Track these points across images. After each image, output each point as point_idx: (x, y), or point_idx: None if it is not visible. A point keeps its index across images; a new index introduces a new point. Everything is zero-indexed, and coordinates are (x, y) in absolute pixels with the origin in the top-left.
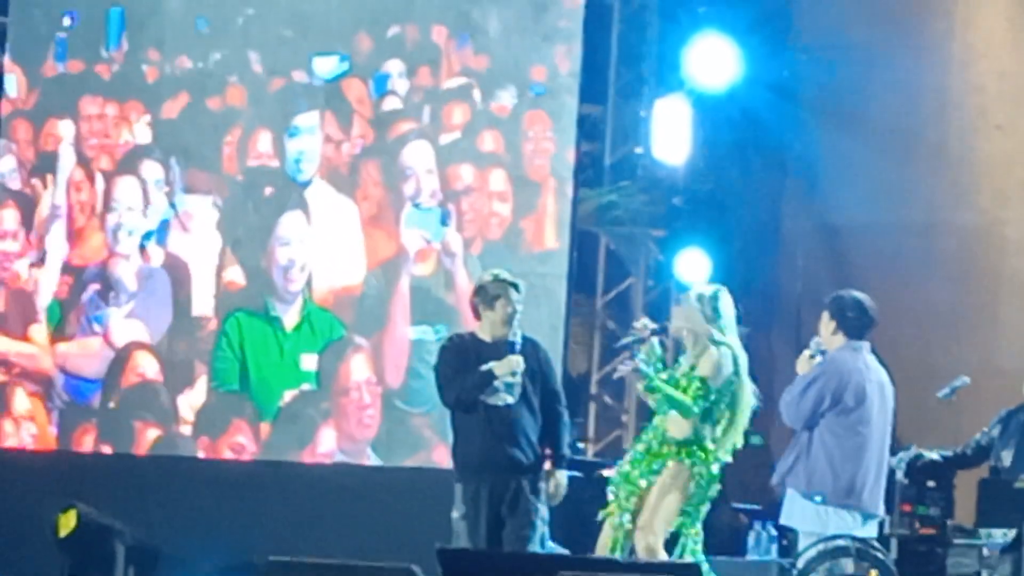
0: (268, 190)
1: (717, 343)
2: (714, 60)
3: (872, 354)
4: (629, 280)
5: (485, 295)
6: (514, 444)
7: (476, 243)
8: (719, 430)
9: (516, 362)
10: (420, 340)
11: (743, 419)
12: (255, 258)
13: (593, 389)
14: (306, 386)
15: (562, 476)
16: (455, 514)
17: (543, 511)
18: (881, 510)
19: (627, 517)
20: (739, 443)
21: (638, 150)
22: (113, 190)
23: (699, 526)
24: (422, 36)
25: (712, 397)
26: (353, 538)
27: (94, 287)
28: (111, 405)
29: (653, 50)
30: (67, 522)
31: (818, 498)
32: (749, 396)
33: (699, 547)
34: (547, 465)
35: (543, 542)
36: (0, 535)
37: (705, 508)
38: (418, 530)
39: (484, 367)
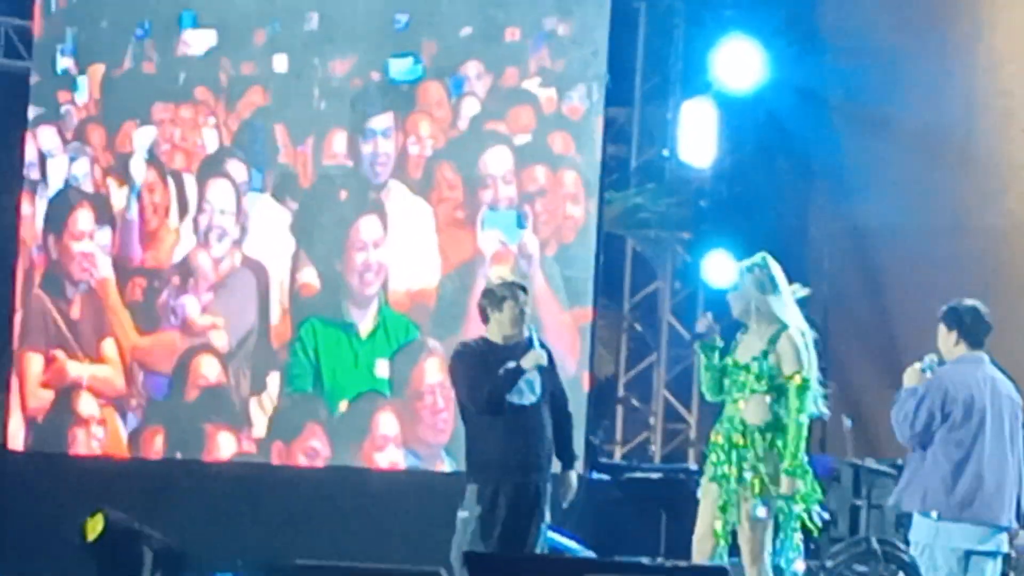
0: (343, 193)
1: (786, 326)
2: (740, 63)
3: (992, 364)
4: (656, 283)
5: (493, 297)
6: (538, 443)
7: (551, 245)
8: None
9: (540, 355)
10: None
11: (816, 387)
12: (330, 261)
13: (620, 392)
14: (379, 391)
15: (573, 476)
16: (463, 514)
17: (547, 514)
18: (1006, 519)
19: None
20: (816, 410)
21: (665, 153)
22: (205, 192)
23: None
24: (498, 38)
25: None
26: (381, 542)
27: (174, 283)
28: (180, 408)
29: (679, 53)
30: (94, 526)
31: (934, 514)
32: (815, 363)
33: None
34: (556, 465)
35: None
36: (28, 539)
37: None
38: (445, 533)
39: (511, 364)
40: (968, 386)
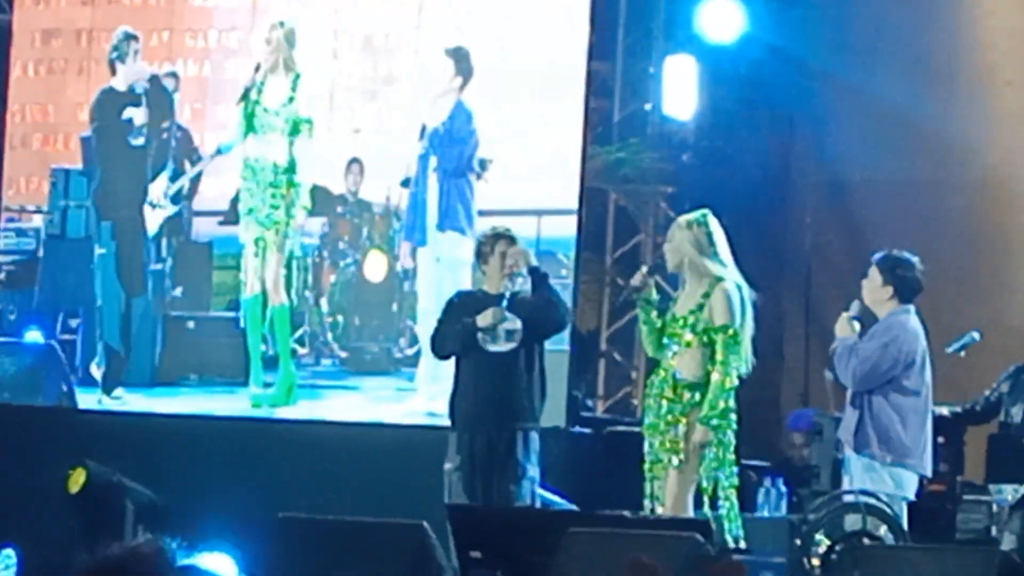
0: None
1: (720, 279)
2: (723, 16)
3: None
4: (638, 237)
5: (480, 249)
6: (511, 392)
7: None
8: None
9: (495, 313)
10: None
11: (747, 345)
12: None
13: (603, 346)
14: None
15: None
16: (448, 466)
17: (532, 470)
18: (930, 470)
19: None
20: (744, 369)
21: (647, 107)
22: None
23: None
24: None
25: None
26: (365, 496)
27: None
28: None
29: (662, 7)
30: (77, 479)
31: (889, 458)
32: (751, 322)
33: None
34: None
35: (534, 495)
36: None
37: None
38: (428, 487)
39: (469, 319)
40: (918, 336)
